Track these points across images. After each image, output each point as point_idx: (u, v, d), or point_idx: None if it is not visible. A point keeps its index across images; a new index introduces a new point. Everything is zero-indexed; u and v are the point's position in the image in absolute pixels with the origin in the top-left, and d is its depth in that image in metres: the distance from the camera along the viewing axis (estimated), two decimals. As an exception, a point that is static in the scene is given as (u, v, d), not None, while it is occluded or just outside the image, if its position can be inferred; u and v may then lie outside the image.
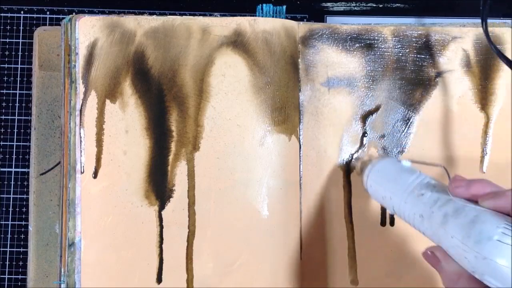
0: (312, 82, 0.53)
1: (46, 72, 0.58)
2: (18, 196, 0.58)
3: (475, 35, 0.54)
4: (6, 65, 0.59)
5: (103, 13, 0.60)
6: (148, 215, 0.50)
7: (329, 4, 0.62)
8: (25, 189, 0.58)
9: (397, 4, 0.62)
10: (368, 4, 0.61)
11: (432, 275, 0.52)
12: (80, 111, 0.50)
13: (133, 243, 0.50)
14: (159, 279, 0.50)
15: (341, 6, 0.62)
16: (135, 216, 0.50)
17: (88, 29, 0.50)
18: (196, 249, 0.50)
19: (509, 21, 0.56)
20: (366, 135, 0.53)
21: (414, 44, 0.54)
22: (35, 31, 0.58)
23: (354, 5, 0.62)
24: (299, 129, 0.53)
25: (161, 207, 0.50)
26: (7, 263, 0.58)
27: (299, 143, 0.52)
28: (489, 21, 0.55)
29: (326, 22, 0.61)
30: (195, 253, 0.50)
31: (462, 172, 0.53)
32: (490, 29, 0.54)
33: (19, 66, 0.60)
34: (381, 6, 0.62)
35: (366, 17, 0.61)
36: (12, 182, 0.59)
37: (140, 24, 0.51)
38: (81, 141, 0.49)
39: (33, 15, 0.60)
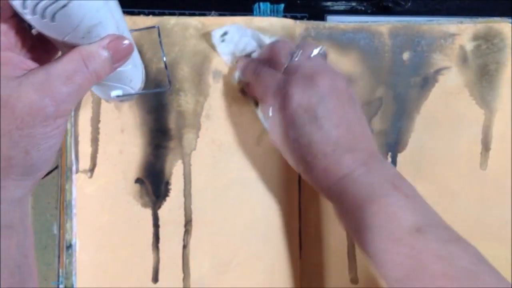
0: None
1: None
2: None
3: (473, 32, 0.54)
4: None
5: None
6: (144, 214, 0.50)
7: (329, 4, 0.61)
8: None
9: (398, 4, 0.61)
10: (369, 3, 0.61)
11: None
12: (75, 110, 0.49)
13: (129, 242, 0.49)
14: (155, 279, 0.49)
15: (342, 5, 0.61)
16: (131, 215, 0.49)
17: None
18: (192, 248, 0.50)
19: (509, 19, 0.55)
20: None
21: (412, 42, 0.53)
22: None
23: (355, 4, 0.61)
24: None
25: (157, 206, 0.50)
26: (7, 265, 0.57)
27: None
28: (489, 18, 0.54)
29: (326, 21, 0.61)
30: (192, 252, 0.50)
31: (462, 168, 0.52)
32: (489, 24, 0.53)
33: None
34: (381, 5, 0.61)
35: (367, 16, 0.61)
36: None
37: (136, 24, 0.51)
38: (76, 140, 0.49)
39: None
